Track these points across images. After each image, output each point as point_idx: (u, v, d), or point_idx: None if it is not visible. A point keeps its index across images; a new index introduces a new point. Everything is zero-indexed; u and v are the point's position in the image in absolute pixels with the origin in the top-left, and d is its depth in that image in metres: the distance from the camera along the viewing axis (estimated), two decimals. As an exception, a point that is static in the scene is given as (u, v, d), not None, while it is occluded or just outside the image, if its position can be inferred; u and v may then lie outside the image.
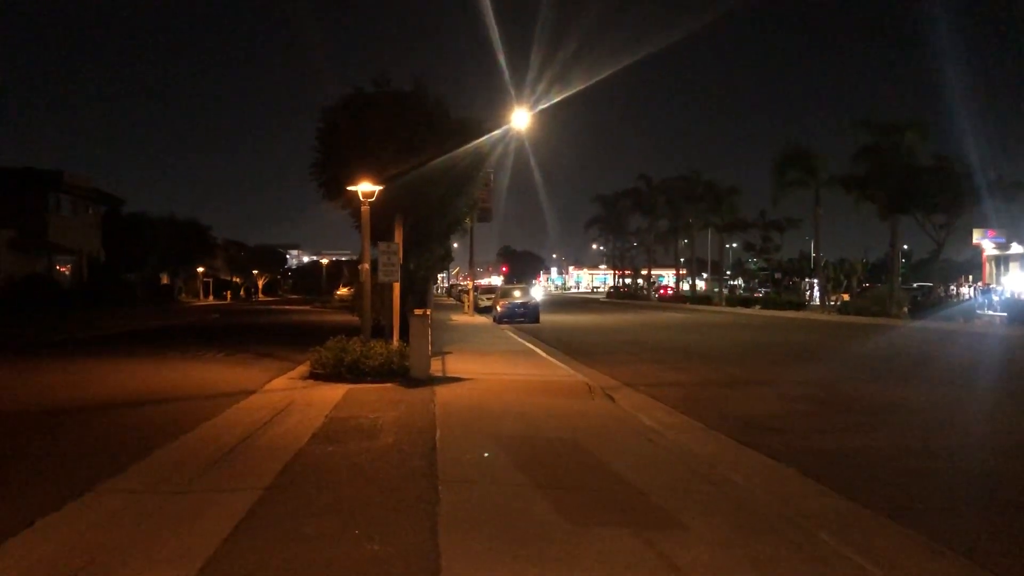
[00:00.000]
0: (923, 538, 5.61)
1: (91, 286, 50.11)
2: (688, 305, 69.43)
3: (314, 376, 14.26)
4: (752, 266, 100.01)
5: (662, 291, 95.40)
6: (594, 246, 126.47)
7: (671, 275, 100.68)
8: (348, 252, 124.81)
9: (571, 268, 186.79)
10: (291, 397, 12.18)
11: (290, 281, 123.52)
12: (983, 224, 56.01)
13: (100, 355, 19.97)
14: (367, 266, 16.45)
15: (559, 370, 16.37)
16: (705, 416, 10.84)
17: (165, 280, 73.26)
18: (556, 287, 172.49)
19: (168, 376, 15.55)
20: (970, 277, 68.43)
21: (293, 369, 15.83)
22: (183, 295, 75.63)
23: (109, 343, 24.20)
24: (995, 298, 47.50)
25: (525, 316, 37.66)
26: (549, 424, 10.06)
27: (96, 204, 55.27)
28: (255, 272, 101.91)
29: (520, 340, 24.97)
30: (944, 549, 5.38)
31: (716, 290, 78.74)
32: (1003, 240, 58.44)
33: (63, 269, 50.11)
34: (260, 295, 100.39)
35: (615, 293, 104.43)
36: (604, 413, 11.14)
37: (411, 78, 17.94)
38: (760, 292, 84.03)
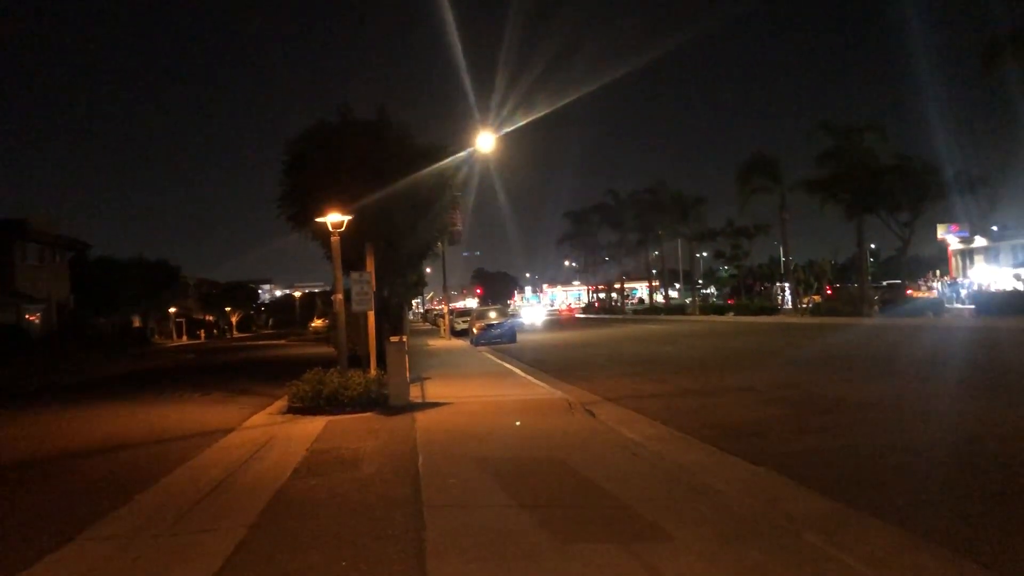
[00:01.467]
0: (908, 533, 5.68)
1: (61, 333, 49.49)
2: (662, 316, 69.78)
3: (293, 410, 14.16)
4: (723, 274, 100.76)
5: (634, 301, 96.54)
6: (567, 262, 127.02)
7: (644, 287, 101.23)
8: (321, 283, 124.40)
9: (545, 286, 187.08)
10: (271, 432, 12.10)
11: (264, 316, 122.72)
12: (947, 219, 56.99)
13: (74, 402, 19.70)
14: (340, 296, 16.41)
15: (538, 389, 16.38)
16: (685, 425, 10.89)
17: (137, 323, 72.45)
18: (530, 305, 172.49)
19: (145, 419, 15.36)
20: (937, 272, 69.49)
21: (271, 404, 15.71)
22: (156, 337, 74.83)
23: (83, 390, 23.88)
24: (962, 291, 48.23)
25: (502, 337, 37.67)
26: (531, 443, 10.07)
27: (63, 250, 54.67)
28: (228, 309, 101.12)
29: (498, 361, 24.97)
30: (927, 543, 5.45)
31: (689, 300, 79.27)
32: (967, 234, 59.46)
33: (32, 318, 49.41)
34: (234, 332, 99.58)
35: (589, 308, 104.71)
36: (585, 429, 11.16)
37: (375, 106, 18.03)
38: (732, 299, 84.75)
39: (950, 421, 10.67)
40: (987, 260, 59.46)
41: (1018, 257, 54.77)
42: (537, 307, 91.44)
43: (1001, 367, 17.10)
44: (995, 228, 60.19)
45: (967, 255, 62.51)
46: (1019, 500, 6.62)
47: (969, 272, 59.72)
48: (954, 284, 55.47)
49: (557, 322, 73.59)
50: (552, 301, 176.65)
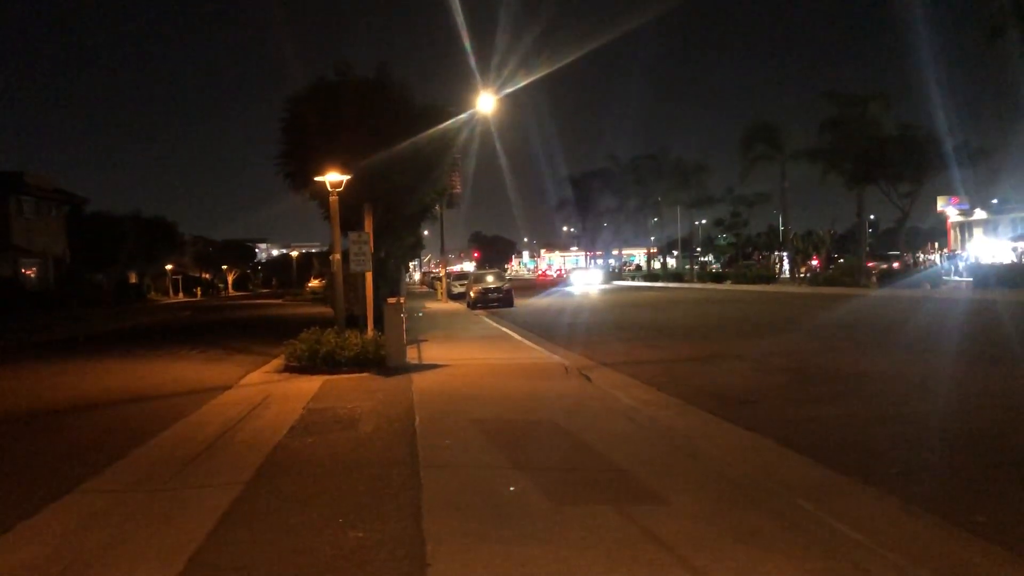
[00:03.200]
0: (899, 501, 5.71)
1: (58, 288, 49.42)
2: (660, 283, 69.82)
3: (289, 369, 14.20)
4: (722, 242, 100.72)
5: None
6: (565, 228, 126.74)
7: (642, 254, 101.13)
8: (318, 243, 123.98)
9: (543, 251, 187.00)
10: (267, 391, 12.12)
11: (260, 275, 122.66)
12: (947, 191, 56.85)
13: (71, 357, 19.73)
14: (338, 256, 16.37)
15: (535, 352, 16.42)
16: (682, 391, 10.93)
17: (133, 279, 72.37)
18: (529, 271, 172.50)
19: (142, 375, 15.39)
20: (936, 244, 69.49)
21: (268, 363, 15.73)
22: (152, 293, 74.80)
23: (80, 345, 23.90)
24: (960, 264, 48.26)
25: (499, 301, 37.68)
26: (527, 406, 10.10)
27: (59, 205, 54.38)
28: (224, 267, 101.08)
29: (495, 325, 25.01)
30: (920, 511, 5.48)
31: (687, 267, 79.27)
32: (967, 206, 59.34)
33: (29, 272, 49.33)
34: (231, 290, 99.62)
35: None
36: (581, 393, 11.20)
37: (375, 65, 17.86)
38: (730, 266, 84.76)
39: (946, 392, 10.71)
40: (986, 233, 59.43)
41: (1017, 230, 54.71)
42: (593, 271, 78.57)
43: (997, 339, 17.14)
44: (995, 201, 60.09)
45: (966, 227, 62.46)
46: (1012, 470, 6.65)
47: (968, 245, 59.70)
48: (953, 256, 55.45)
49: (548, 287, 73.71)
50: (550, 266, 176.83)
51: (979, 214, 60.21)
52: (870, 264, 51.76)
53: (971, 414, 9.10)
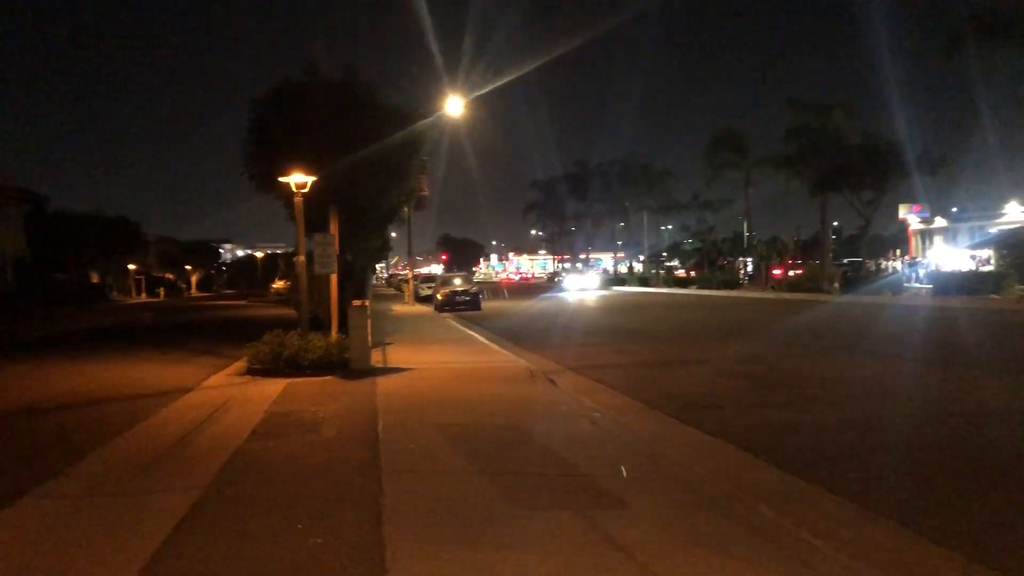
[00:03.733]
0: (858, 507, 5.77)
1: (18, 288, 48.54)
2: (626, 287, 70.12)
3: (252, 372, 14.05)
4: (688, 247, 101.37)
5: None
6: (533, 232, 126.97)
7: (609, 258, 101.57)
8: (283, 244, 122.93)
9: (511, 254, 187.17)
10: (229, 394, 11.98)
11: (225, 276, 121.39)
12: (909, 199, 57.72)
13: (29, 359, 19.37)
14: (303, 258, 16.23)
15: (501, 356, 16.41)
16: (645, 396, 10.97)
17: (95, 279, 71.30)
18: (496, 273, 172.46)
19: (102, 377, 15.15)
20: (897, 251, 70.51)
21: (230, 365, 15.55)
22: (115, 294, 73.75)
23: (39, 346, 23.48)
24: (921, 271, 49.03)
25: (466, 304, 37.61)
26: (492, 410, 10.08)
27: (19, 203, 53.46)
28: (188, 268, 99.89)
29: (461, 328, 24.96)
30: (878, 516, 5.54)
31: (653, 272, 79.72)
32: (927, 214, 60.29)
33: (-15, 271, 48.46)
34: (194, 291, 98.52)
35: (555, 277, 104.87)
36: (546, 397, 11.20)
37: (342, 66, 17.74)
38: (694, 269, 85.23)
39: (905, 398, 10.86)
40: (946, 241, 60.41)
41: (975, 238, 55.65)
42: (588, 275, 72.63)
43: (954, 346, 17.43)
44: (955, 210, 61.16)
45: (927, 235, 63.45)
46: (964, 477, 6.76)
47: (928, 252, 60.65)
48: (913, 264, 56.33)
49: (518, 290, 73.70)
50: (518, 269, 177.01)
51: (939, 222, 61.22)
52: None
53: (928, 420, 9.24)
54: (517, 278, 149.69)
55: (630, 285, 72.96)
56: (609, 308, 37.71)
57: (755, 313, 31.00)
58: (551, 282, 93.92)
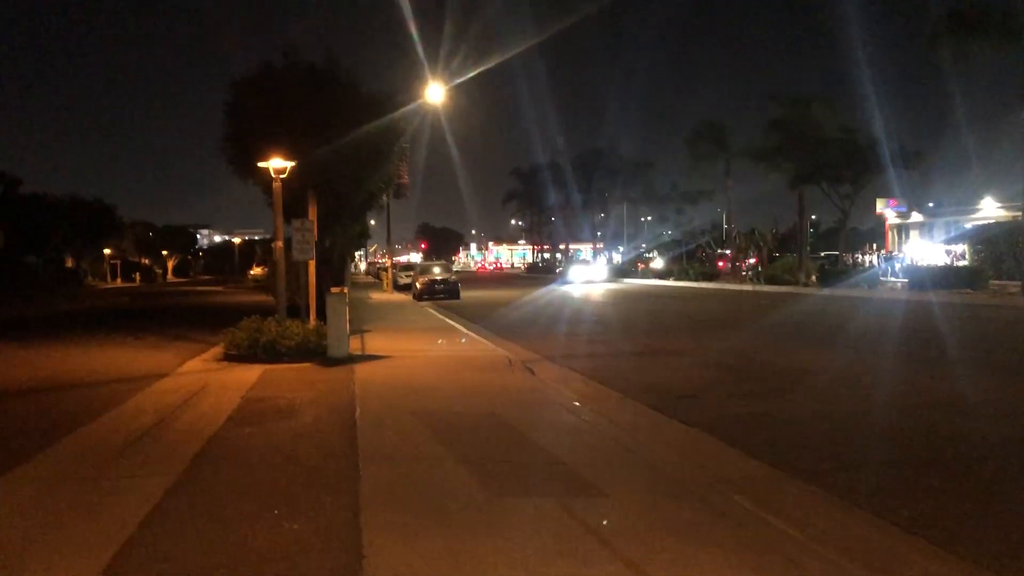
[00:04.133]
0: (833, 497, 5.82)
1: (-11, 271, 48.00)
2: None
3: (228, 358, 13.97)
4: (667, 238, 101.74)
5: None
6: (513, 221, 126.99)
7: (589, 249, 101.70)
8: (261, 230, 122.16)
9: (491, 244, 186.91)
10: (205, 380, 11.90)
11: (201, 261, 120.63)
12: (887, 194, 58.17)
13: (4, 341, 19.14)
14: (281, 244, 16.12)
15: (479, 345, 16.40)
16: (623, 386, 11.01)
17: (70, 263, 70.59)
18: (476, 263, 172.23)
19: (76, 361, 15.00)
20: (874, 245, 71.09)
21: (207, 351, 15.44)
22: (90, 278, 73.08)
23: (11, 330, 23.20)
24: (897, 265, 49.46)
25: (445, 292, 37.54)
26: (470, 399, 10.08)
27: (-9, 184, 52.81)
28: (165, 253, 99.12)
29: (440, 317, 24.93)
30: (853, 507, 5.60)
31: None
32: (904, 209, 60.81)
33: (-43, 254, 47.80)
34: (171, 276, 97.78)
35: (534, 268, 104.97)
36: (524, 386, 11.21)
37: (322, 50, 17.62)
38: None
39: (879, 389, 10.96)
40: (922, 235, 60.92)
41: (950, 233, 56.18)
42: (596, 265, 63.90)
43: (928, 339, 17.60)
44: (931, 204, 61.70)
45: (903, 229, 63.96)
46: (936, 467, 6.83)
47: (905, 246, 61.17)
48: (890, 258, 56.83)
49: (499, 279, 73.70)
50: (498, 259, 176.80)
51: (916, 217, 61.73)
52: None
53: (902, 411, 9.32)
54: (492, 267, 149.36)
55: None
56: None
57: (732, 306, 31.16)
58: (537, 273, 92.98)
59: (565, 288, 48.26)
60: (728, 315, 25.97)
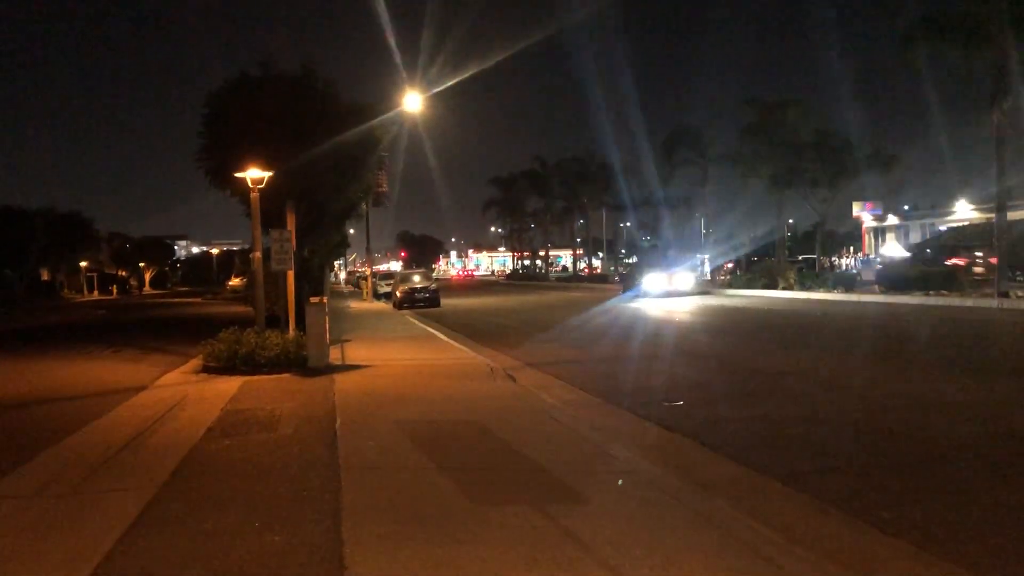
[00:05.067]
0: (812, 499, 5.86)
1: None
2: (585, 284, 70.37)
3: (207, 370, 13.88)
4: (646, 244, 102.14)
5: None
6: (493, 228, 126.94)
7: (568, 255, 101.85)
8: (239, 241, 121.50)
9: (471, 251, 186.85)
10: (184, 392, 11.82)
11: (179, 273, 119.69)
12: (863, 197, 58.75)
13: (-24, 357, 18.93)
14: (259, 255, 16.06)
15: (460, 353, 16.39)
16: (604, 392, 11.02)
17: (46, 276, 69.90)
18: (457, 270, 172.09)
19: (52, 375, 14.87)
20: (851, 248, 71.70)
21: (185, 363, 15.34)
22: (66, 291, 72.40)
23: (-15, 344, 22.95)
24: (874, 267, 49.86)
25: (426, 301, 37.47)
26: (451, 407, 10.07)
27: (-35, 198, 52.19)
28: (142, 265, 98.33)
29: (421, 325, 24.89)
30: (831, 508, 5.64)
31: (612, 268, 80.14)
32: (880, 212, 61.45)
33: (-70, 268, 47.21)
34: (148, 288, 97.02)
35: (514, 275, 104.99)
36: (506, 393, 11.21)
37: (299, 61, 17.59)
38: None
39: (859, 392, 11.03)
40: (898, 238, 61.54)
41: (925, 235, 56.80)
42: (680, 273, 42.33)
43: (906, 340, 17.77)
44: (906, 207, 62.41)
45: (880, 232, 64.61)
46: (916, 469, 6.89)
47: (880, 249, 61.74)
48: (866, 260, 57.31)
49: (479, 286, 73.61)
50: (478, 266, 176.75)
51: (892, 219, 62.40)
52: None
53: (881, 414, 9.40)
54: (463, 274, 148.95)
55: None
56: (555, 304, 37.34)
57: (711, 310, 31.31)
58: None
59: (645, 306, 32.42)
60: (706, 320, 26.06)
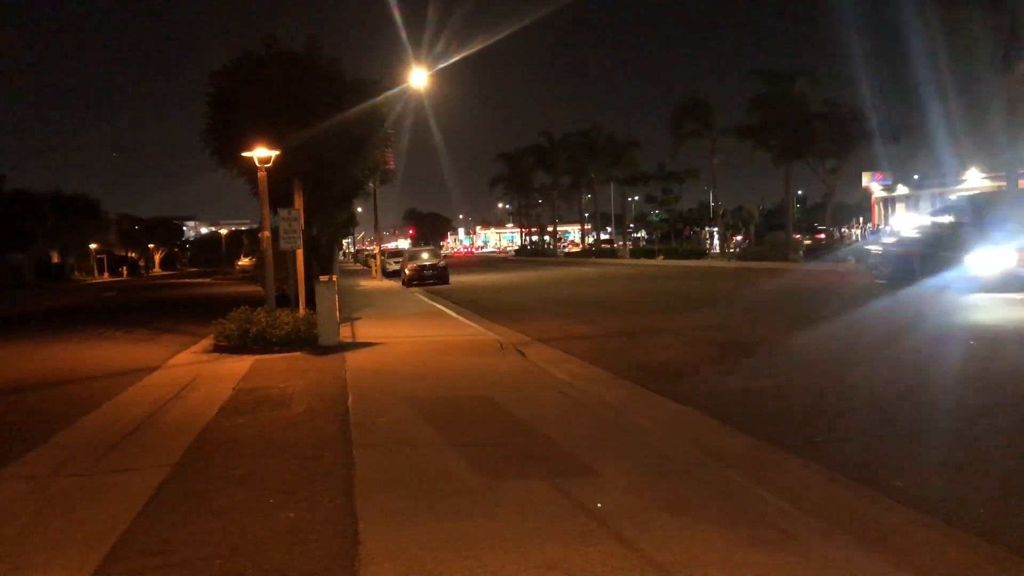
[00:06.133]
0: (823, 469, 5.86)
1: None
2: (593, 259, 70.34)
3: (219, 349, 13.94)
4: (654, 218, 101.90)
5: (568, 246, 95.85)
6: (500, 205, 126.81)
7: (576, 230, 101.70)
8: (248, 221, 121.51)
9: (478, 228, 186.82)
10: (196, 371, 11.88)
11: (189, 253, 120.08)
12: (872, 167, 58.33)
13: (-11, 340, 19.04)
14: (268, 234, 16.07)
15: (470, 329, 16.41)
16: (614, 366, 11.04)
17: (56, 258, 70.20)
18: (464, 247, 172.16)
19: (64, 356, 14.95)
20: (860, 219, 71.34)
21: (196, 343, 15.41)
22: (76, 273, 72.69)
23: (0, 326, 23.10)
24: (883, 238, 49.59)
25: (434, 278, 37.50)
26: (462, 383, 10.10)
27: (-27, 182, 52.37)
28: (151, 246, 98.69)
29: (430, 302, 24.92)
30: (842, 477, 5.64)
31: (620, 243, 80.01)
32: (890, 182, 61.03)
33: (-59, 252, 47.43)
34: (158, 269, 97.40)
35: (523, 251, 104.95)
36: (516, 369, 11.24)
37: (303, 38, 17.53)
38: (661, 242, 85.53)
39: (866, 361, 11.01)
40: (908, 208, 61.13)
41: (936, 205, 56.41)
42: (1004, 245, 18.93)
43: (915, 311, 17.68)
44: (916, 177, 61.90)
45: (889, 203, 64.19)
46: (925, 436, 6.89)
47: (890, 220, 61.39)
48: (876, 231, 57.04)
49: (488, 263, 73.62)
50: (485, 243, 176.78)
51: (901, 189, 61.94)
52: (796, 237, 52.83)
53: (890, 383, 9.38)
54: (464, 251, 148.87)
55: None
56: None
57: (720, 282, 31.26)
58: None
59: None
60: (716, 292, 26.00)
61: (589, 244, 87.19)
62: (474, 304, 23.67)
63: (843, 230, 68.67)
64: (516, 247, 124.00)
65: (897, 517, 4.86)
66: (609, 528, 4.70)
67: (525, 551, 4.40)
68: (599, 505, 5.11)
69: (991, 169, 48.89)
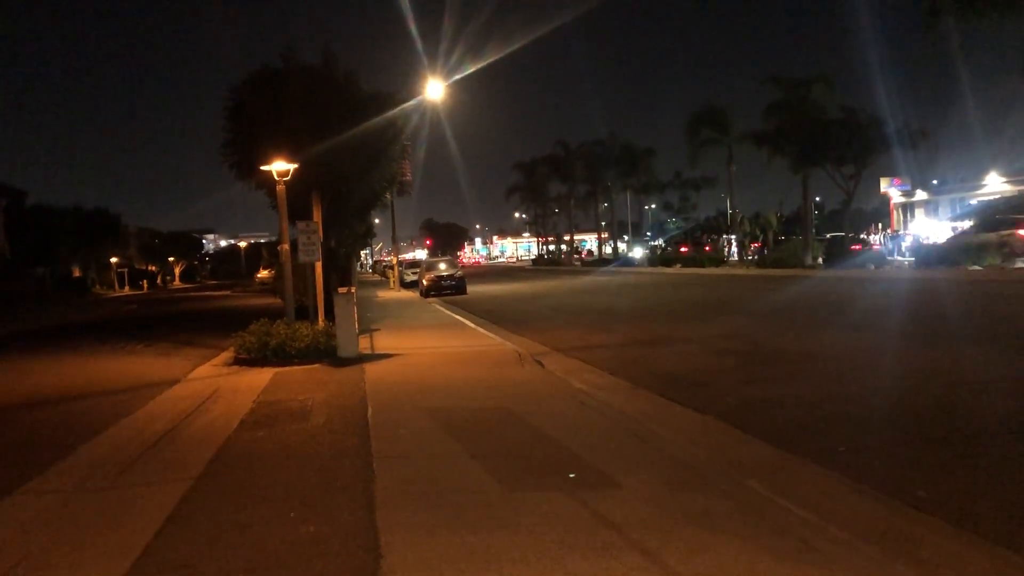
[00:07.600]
0: (845, 478, 5.82)
1: (-2, 283, 48.16)
2: (611, 267, 70.17)
3: (239, 362, 14.01)
4: (671, 226, 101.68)
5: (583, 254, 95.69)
6: (516, 214, 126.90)
7: (593, 239, 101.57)
8: (266, 233, 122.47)
9: (495, 238, 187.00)
10: (216, 384, 11.95)
11: (208, 266, 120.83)
12: (891, 173, 58.00)
13: (12, 354, 19.24)
14: (287, 246, 16.17)
15: (488, 340, 16.41)
16: (633, 375, 11.01)
17: (77, 273, 70.83)
18: (482, 257, 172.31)
19: (87, 371, 15.08)
20: (879, 225, 70.88)
21: (217, 356, 15.51)
22: (97, 287, 73.20)
23: (21, 340, 23.32)
24: (903, 244, 49.32)
25: (452, 288, 37.55)
26: (481, 394, 10.10)
27: (-3, 198, 52.98)
28: (171, 259, 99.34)
29: (448, 312, 24.95)
30: (864, 487, 5.59)
31: (637, 252, 79.82)
32: (908, 187, 60.65)
33: (-35, 268, 47.95)
34: (178, 282, 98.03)
35: (540, 260, 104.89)
36: (535, 379, 11.22)
37: (320, 51, 17.63)
38: (684, 245, 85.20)
39: (888, 370, 10.93)
40: (927, 213, 60.79)
41: (956, 210, 55.98)
42: None
43: (937, 318, 17.54)
44: (935, 182, 61.53)
45: (908, 208, 63.82)
46: (950, 447, 6.82)
47: (910, 225, 61.00)
48: (895, 237, 56.68)
49: (505, 272, 73.58)
50: (502, 252, 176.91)
51: (920, 195, 61.58)
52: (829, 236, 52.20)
53: (912, 392, 9.30)
54: (473, 262, 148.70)
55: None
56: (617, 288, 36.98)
57: (739, 290, 31.12)
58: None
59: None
60: (736, 300, 25.85)
61: (607, 253, 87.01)
62: (492, 314, 23.68)
63: (862, 236, 68.21)
64: (533, 256, 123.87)
65: (922, 528, 4.81)
66: (630, 539, 4.69)
67: (546, 564, 4.39)
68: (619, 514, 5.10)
69: (1012, 173, 48.47)
